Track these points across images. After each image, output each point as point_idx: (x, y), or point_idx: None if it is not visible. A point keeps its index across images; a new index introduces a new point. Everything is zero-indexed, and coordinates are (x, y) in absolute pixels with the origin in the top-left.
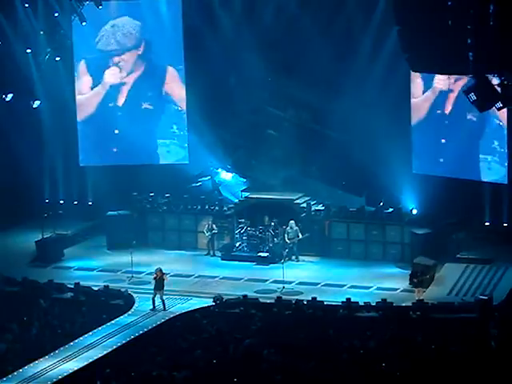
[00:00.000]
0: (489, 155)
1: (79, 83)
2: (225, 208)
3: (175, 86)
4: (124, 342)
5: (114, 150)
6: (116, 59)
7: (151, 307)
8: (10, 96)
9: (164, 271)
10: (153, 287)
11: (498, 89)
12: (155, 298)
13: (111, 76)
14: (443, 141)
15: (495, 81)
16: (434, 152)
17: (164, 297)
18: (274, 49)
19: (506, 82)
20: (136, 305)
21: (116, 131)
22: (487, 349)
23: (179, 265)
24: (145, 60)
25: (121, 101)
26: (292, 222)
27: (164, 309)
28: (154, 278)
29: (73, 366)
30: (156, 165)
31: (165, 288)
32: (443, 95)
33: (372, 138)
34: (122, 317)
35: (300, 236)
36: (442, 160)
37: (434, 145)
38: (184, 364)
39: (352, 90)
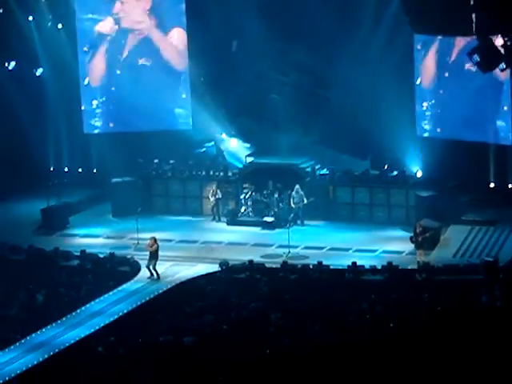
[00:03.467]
0: (494, 116)
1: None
2: (229, 173)
3: (176, 51)
4: (130, 308)
5: (111, 125)
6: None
7: (148, 275)
8: (12, 64)
9: (157, 240)
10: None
11: (502, 50)
12: (150, 267)
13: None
14: (449, 102)
15: (498, 42)
16: (439, 114)
17: (169, 263)
18: (277, 13)
19: (509, 43)
20: (142, 271)
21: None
22: (492, 309)
23: (184, 231)
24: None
25: (121, 62)
26: (297, 186)
27: (158, 278)
28: (149, 247)
29: (79, 333)
30: (160, 131)
31: (163, 255)
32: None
33: (376, 102)
34: (128, 283)
35: (305, 201)
36: (446, 122)
37: (439, 107)
38: (190, 329)
39: (355, 53)
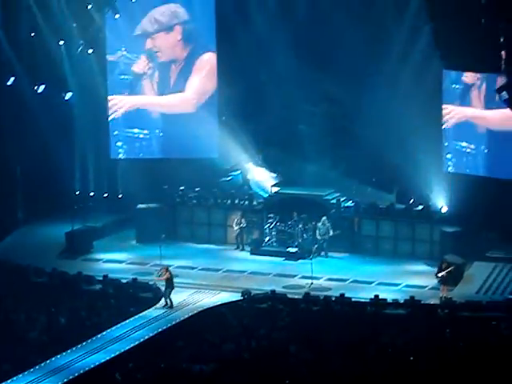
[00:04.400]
0: None
1: None
2: (254, 203)
3: (205, 80)
4: (151, 335)
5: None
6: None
7: (163, 304)
8: (42, 87)
9: (169, 269)
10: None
11: None
12: (166, 296)
13: (140, 66)
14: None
15: None
16: (464, 151)
17: (191, 291)
18: (307, 44)
19: None
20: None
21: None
22: None
23: (208, 259)
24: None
25: (150, 91)
26: (324, 218)
27: (171, 306)
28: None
29: (99, 358)
30: (186, 159)
31: (186, 282)
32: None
33: (403, 136)
34: (149, 310)
35: (331, 233)
36: (472, 159)
37: (466, 143)
38: (211, 358)
39: (384, 86)
